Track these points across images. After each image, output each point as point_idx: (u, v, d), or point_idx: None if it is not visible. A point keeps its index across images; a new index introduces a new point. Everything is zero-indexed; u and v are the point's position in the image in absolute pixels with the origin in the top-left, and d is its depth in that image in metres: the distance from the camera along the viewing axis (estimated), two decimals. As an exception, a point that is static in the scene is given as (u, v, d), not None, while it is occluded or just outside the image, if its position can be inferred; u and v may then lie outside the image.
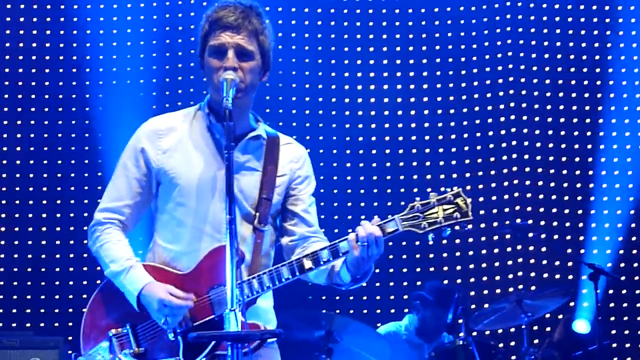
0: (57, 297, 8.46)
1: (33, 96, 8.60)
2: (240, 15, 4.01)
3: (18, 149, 8.57)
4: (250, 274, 3.93)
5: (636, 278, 8.60)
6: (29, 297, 8.44)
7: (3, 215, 8.52)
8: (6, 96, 8.60)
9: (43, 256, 8.49)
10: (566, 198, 8.67)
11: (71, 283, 8.48)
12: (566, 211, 8.67)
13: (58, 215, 8.55)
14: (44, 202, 8.56)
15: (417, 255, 8.66)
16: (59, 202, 8.57)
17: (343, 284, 3.98)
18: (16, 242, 8.50)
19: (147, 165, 4.12)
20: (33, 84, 8.61)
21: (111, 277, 4.08)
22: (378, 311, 8.53)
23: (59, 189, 8.57)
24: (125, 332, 4.02)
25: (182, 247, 4.05)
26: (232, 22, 3.99)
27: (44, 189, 8.58)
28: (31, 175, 8.57)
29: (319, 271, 4.02)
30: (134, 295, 3.97)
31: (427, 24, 8.86)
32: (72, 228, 8.52)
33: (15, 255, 8.47)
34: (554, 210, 8.68)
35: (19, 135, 8.58)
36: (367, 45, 8.85)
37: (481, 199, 8.67)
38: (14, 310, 8.40)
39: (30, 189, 8.57)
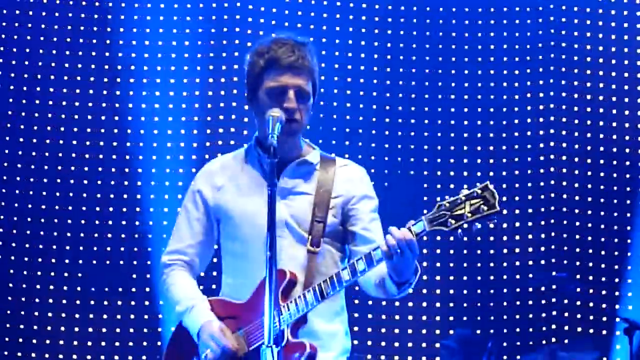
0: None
1: (76, 116, 8.67)
2: (299, 55, 4.08)
3: (59, 167, 8.64)
4: None
5: (672, 335, 8.52)
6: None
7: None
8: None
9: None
10: (603, 252, 8.63)
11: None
12: (602, 265, 8.62)
13: (96, 221, 8.60)
14: (82, 217, 8.60)
15: (451, 304, 8.62)
16: (97, 222, 8.57)
17: (392, 295, 3.99)
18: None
19: (204, 205, 4.28)
20: (77, 104, 8.69)
21: (178, 318, 4.25)
22: (409, 359, 8.49)
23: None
24: None
25: (241, 278, 4.15)
26: (292, 63, 4.07)
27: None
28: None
29: (373, 285, 4.05)
30: (195, 332, 4.13)
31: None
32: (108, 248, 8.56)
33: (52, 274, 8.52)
34: (590, 264, 8.63)
35: (60, 154, 8.65)
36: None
37: (517, 249, 8.65)
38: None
39: (70, 207, 8.59)
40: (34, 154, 8.62)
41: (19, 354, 8.37)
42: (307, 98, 4.10)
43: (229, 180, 4.24)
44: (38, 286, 8.46)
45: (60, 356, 8.39)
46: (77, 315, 8.45)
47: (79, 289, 8.47)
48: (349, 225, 4.19)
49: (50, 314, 8.42)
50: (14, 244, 8.50)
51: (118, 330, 8.46)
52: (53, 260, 8.49)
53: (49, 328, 8.41)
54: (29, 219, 8.53)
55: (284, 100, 4.05)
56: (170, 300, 4.28)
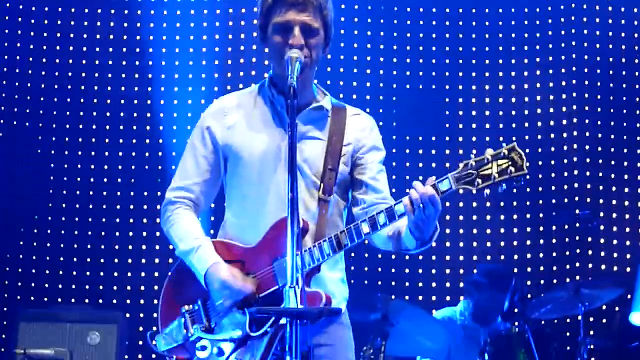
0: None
1: (96, 87, 8.71)
2: None
3: (80, 140, 8.69)
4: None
5: (695, 271, 8.52)
6: (88, 273, 8.55)
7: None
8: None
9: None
10: (626, 190, 8.59)
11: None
12: (626, 203, 8.59)
13: (118, 193, 8.64)
14: (104, 188, 8.68)
15: (474, 244, 8.64)
16: (119, 193, 8.66)
17: (409, 249, 3.96)
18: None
19: (213, 143, 4.19)
20: (96, 75, 8.72)
21: (181, 256, 4.15)
22: (433, 298, 8.52)
23: (119, 180, 8.67)
24: (197, 308, 4.07)
25: (248, 220, 4.08)
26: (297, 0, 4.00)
27: (105, 179, 8.68)
28: (92, 167, 8.67)
29: (385, 238, 4.02)
30: (201, 274, 4.03)
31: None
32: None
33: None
34: (614, 201, 8.60)
35: (81, 126, 8.70)
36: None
37: (540, 188, 8.63)
38: (74, 286, 8.51)
39: (92, 179, 8.68)
40: (54, 125, 8.69)
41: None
42: (314, 33, 4.02)
43: (241, 119, 4.17)
44: (61, 258, 8.61)
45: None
46: (100, 287, 8.56)
47: (102, 260, 8.59)
48: (357, 174, 4.16)
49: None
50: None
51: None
52: (75, 232, 8.61)
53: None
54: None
55: (290, 36, 4.00)
56: (174, 238, 4.18)
